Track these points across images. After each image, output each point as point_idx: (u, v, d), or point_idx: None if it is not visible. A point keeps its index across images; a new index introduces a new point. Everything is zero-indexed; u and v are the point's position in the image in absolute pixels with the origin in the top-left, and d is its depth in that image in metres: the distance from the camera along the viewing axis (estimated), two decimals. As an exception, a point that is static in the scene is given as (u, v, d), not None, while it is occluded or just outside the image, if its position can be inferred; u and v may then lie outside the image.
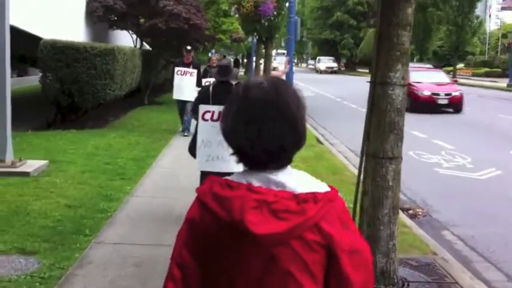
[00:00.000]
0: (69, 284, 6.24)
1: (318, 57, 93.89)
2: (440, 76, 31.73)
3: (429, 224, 9.78)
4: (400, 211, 6.94)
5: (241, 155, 2.14)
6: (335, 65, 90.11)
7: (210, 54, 26.60)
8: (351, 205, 6.66)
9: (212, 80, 13.01)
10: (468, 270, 7.46)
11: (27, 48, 19.31)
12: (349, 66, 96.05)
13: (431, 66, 38.90)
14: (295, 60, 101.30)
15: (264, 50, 28.14)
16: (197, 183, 7.76)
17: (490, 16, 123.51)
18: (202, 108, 7.60)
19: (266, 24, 25.34)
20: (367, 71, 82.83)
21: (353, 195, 6.88)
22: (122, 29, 25.42)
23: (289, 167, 2.15)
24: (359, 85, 44.09)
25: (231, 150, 2.17)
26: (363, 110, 8.00)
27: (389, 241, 6.29)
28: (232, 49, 56.19)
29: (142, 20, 24.98)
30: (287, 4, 25.02)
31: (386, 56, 6.14)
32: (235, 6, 25.78)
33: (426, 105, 27.57)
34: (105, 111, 21.26)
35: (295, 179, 2.11)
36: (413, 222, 9.51)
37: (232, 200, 2.03)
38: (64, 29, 19.04)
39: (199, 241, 2.14)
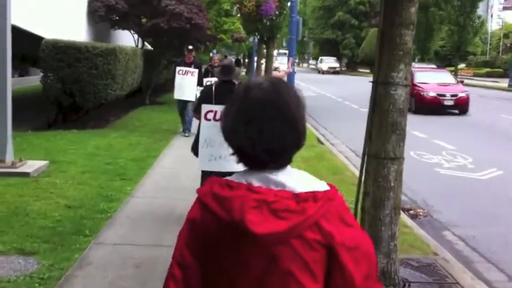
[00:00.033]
0: (68, 285, 6.21)
1: (320, 57, 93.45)
2: (446, 76, 31.12)
3: (430, 224, 9.75)
4: (401, 211, 6.90)
5: (242, 154, 2.15)
6: (337, 65, 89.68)
7: (211, 54, 26.55)
8: (352, 206, 6.63)
9: (213, 79, 13.00)
10: (469, 270, 7.45)
11: (28, 48, 19.27)
12: (351, 66, 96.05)
13: (435, 67, 38.63)
14: (297, 60, 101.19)
15: (265, 50, 28.13)
16: (198, 184, 7.75)
17: (491, 16, 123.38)
18: (205, 107, 7.58)
19: (268, 23, 25.33)
20: (369, 71, 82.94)
21: (354, 195, 6.86)
22: (123, 28, 25.40)
23: (289, 166, 2.16)
24: (360, 85, 44.32)
25: (231, 150, 2.18)
26: (364, 110, 8.00)
27: (391, 242, 6.27)
28: (233, 49, 56.24)
29: (144, 20, 24.97)
30: (289, 4, 24.98)
31: (389, 55, 6.11)
32: (237, 5, 25.78)
33: (431, 107, 27.10)
34: (107, 111, 21.24)
35: (295, 178, 2.11)
36: (414, 222, 9.49)
37: (232, 200, 2.04)
38: (66, 29, 19.03)
39: (200, 241, 2.14)
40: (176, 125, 18.26)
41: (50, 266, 6.59)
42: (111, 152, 13.78)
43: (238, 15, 30.78)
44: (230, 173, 2.23)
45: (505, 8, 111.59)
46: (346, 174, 12.44)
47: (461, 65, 79.26)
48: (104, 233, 7.96)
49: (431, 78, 29.22)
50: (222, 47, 50.46)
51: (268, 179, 2.09)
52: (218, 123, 2.25)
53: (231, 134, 2.15)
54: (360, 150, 6.65)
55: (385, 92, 6.13)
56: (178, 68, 17.10)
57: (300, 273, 2.05)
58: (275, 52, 39.53)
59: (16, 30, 13.02)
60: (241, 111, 2.12)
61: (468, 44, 70.75)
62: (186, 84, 16.67)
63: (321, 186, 2.11)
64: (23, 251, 7.00)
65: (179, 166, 12.45)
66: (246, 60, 64.53)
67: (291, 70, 13.28)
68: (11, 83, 11.43)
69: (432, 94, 27.70)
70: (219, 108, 7.32)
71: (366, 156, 6.41)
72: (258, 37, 28.74)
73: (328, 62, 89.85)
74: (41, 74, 17.89)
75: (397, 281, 6.38)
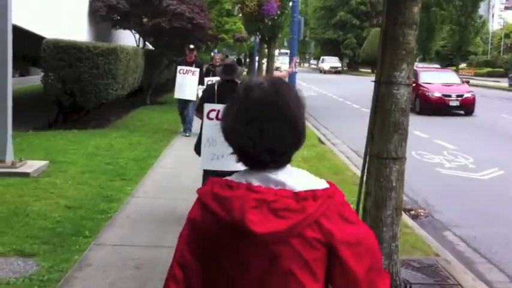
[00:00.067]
0: (68, 287, 6.17)
1: (321, 57, 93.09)
2: (451, 76, 30.46)
3: (431, 224, 9.73)
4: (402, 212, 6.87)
5: (242, 154, 2.16)
6: (339, 65, 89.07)
7: (212, 54, 26.54)
8: (354, 206, 6.59)
9: (214, 79, 12.97)
10: (470, 271, 7.43)
11: (29, 48, 19.24)
12: (352, 66, 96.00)
13: (439, 66, 38.45)
14: (298, 60, 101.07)
15: (266, 50, 28.11)
16: (199, 184, 7.71)
17: (493, 16, 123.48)
18: (207, 107, 7.57)
19: (269, 23, 25.30)
20: (370, 71, 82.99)
21: (355, 195, 6.83)
22: (124, 28, 25.38)
23: (288, 165, 2.17)
24: (361, 85, 44.27)
25: (231, 150, 2.20)
26: (365, 110, 7.98)
27: (392, 242, 6.22)
28: (234, 49, 56.25)
29: (145, 20, 24.94)
30: (290, 3, 24.95)
31: (391, 55, 6.07)
32: (239, 5, 25.74)
33: (436, 107, 26.63)
34: (107, 111, 21.21)
35: (295, 177, 2.12)
36: (415, 222, 9.46)
37: (232, 200, 2.05)
38: (67, 29, 19.01)
39: (201, 241, 2.15)
40: (177, 125, 18.22)
41: (50, 268, 6.54)
42: (111, 152, 13.73)
43: (240, 15, 30.74)
44: (232, 172, 2.23)
45: (506, 8, 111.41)
46: (347, 174, 12.41)
47: (462, 65, 79.27)
48: (104, 233, 7.92)
49: (436, 78, 28.73)
50: (224, 46, 50.48)
51: (268, 179, 2.10)
52: None
53: (231, 134, 2.16)
54: (361, 150, 6.63)
55: (387, 92, 6.09)
56: (179, 67, 17.04)
57: (300, 272, 2.05)
58: (276, 52, 39.51)
59: (17, 30, 13.00)
60: (242, 111, 2.12)
61: (469, 44, 70.79)
62: (187, 84, 16.62)
63: (321, 184, 2.11)
64: (22, 253, 6.96)
65: (180, 166, 12.43)
66: (247, 60, 64.51)
67: (294, 70, 13.20)
68: (12, 82, 11.40)
69: (437, 94, 27.17)
70: (221, 108, 7.25)
71: (367, 156, 6.37)
72: (260, 37, 28.72)
73: (330, 61, 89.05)
74: (42, 74, 17.86)
75: (398, 283, 6.34)
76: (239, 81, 7.93)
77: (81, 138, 15.46)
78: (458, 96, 27.29)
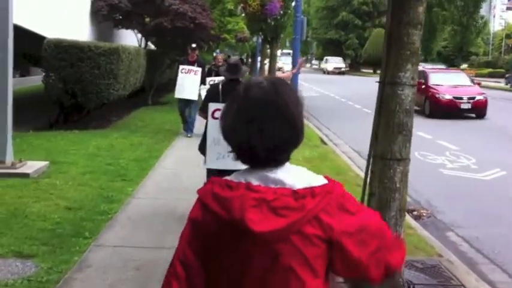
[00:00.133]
0: (67, 288, 6.11)
1: (325, 57, 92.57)
2: (462, 78, 29.26)
3: (434, 225, 9.71)
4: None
5: (241, 153, 2.19)
6: (343, 65, 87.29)
7: (214, 54, 26.52)
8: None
9: (216, 79, 12.91)
10: (473, 272, 7.41)
11: (30, 48, 19.22)
12: (354, 67, 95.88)
13: (445, 67, 38.23)
14: (304, 58, 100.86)
15: (269, 50, 28.07)
16: (200, 184, 7.62)
17: (494, 16, 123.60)
18: (212, 106, 7.55)
19: (272, 23, 25.26)
20: (372, 71, 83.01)
21: (358, 196, 6.74)
22: (126, 28, 25.35)
23: (287, 163, 2.20)
24: (363, 85, 44.30)
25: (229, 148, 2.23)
26: (367, 111, 7.93)
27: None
28: (237, 49, 56.20)
29: (147, 19, 24.90)
30: (293, 3, 24.92)
31: (396, 55, 6.01)
32: (242, 5, 25.68)
33: (447, 110, 25.72)
34: (108, 111, 21.17)
35: (293, 175, 2.14)
36: (417, 223, 9.44)
37: (232, 200, 2.07)
38: (68, 28, 19.01)
39: (201, 241, 2.17)
40: (179, 125, 18.10)
41: (49, 269, 6.48)
42: (112, 153, 13.67)
43: (242, 15, 30.69)
44: (236, 171, 2.25)
45: (508, 8, 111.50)
46: (350, 175, 12.34)
47: (464, 66, 79.26)
48: (104, 234, 7.86)
49: (446, 80, 27.74)
50: (226, 46, 50.44)
51: (267, 177, 2.12)
52: None
53: (230, 133, 2.18)
54: (364, 151, 6.59)
55: (392, 92, 6.04)
56: (181, 67, 16.98)
57: (301, 269, 2.08)
58: (279, 52, 39.44)
59: (18, 29, 12.95)
60: (241, 111, 2.15)
61: (471, 45, 70.96)
62: (189, 83, 16.54)
63: (319, 180, 2.14)
64: (21, 254, 6.89)
65: (181, 167, 12.38)
66: (249, 60, 64.49)
67: (297, 71, 13.11)
68: (12, 83, 11.35)
69: (448, 97, 26.13)
70: None
71: (371, 157, 6.32)
72: (262, 37, 28.69)
73: (334, 62, 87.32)
74: (43, 74, 17.82)
75: (401, 283, 6.32)
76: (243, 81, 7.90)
77: (82, 139, 15.40)
78: (470, 98, 26.21)
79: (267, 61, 29.84)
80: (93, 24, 23.45)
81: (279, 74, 22.35)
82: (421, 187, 11.63)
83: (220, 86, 8.11)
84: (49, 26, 18.12)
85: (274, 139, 2.10)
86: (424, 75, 27.57)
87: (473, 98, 26.18)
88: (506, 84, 53.10)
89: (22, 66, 29.93)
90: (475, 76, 70.19)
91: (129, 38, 26.44)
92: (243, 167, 2.22)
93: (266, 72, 28.41)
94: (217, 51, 37.00)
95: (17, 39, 11.32)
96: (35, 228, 7.82)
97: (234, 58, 10.83)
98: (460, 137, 19.38)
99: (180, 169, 12.19)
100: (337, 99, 36.11)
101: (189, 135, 16.63)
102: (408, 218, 9.14)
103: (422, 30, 6.10)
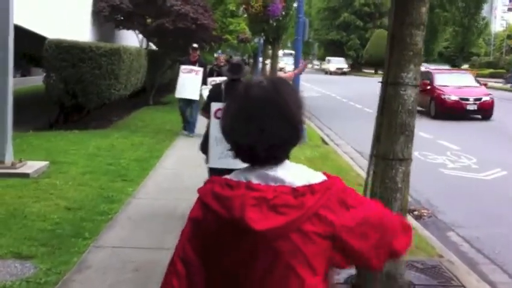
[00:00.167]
0: (66, 290, 6.07)
1: (327, 58, 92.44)
2: (468, 79, 28.78)
3: (434, 225, 9.70)
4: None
5: (240, 152, 2.19)
6: (346, 66, 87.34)
7: (216, 54, 26.48)
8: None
9: (218, 79, 12.88)
10: (474, 272, 7.40)
11: (30, 48, 19.18)
12: (355, 67, 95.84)
13: (450, 68, 38.08)
14: (309, 58, 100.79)
15: (270, 51, 28.01)
16: (201, 184, 7.59)
17: (495, 17, 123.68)
18: (215, 106, 7.54)
19: (274, 24, 25.21)
20: (373, 71, 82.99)
21: (360, 196, 6.72)
22: (128, 29, 25.28)
23: (287, 161, 2.21)
24: (365, 86, 44.29)
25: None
26: (369, 111, 7.88)
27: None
28: (238, 50, 56.14)
29: (149, 20, 24.86)
30: (295, 4, 24.85)
31: (398, 56, 6.02)
32: (244, 6, 25.63)
33: (453, 112, 25.36)
34: (109, 111, 21.13)
35: (293, 173, 2.15)
36: (418, 223, 9.41)
37: (232, 199, 2.08)
38: (69, 29, 18.96)
39: (201, 240, 2.18)
40: (179, 125, 18.01)
41: (48, 270, 6.43)
42: (113, 153, 13.62)
43: (244, 15, 30.67)
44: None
45: (510, 10, 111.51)
46: (351, 175, 12.30)
47: (465, 66, 79.26)
48: (103, 235, 7.81)
49: (452, 81, 27.31)
50: (227, 47, 50.36)
51: (267, 176, 2.13)
52: None
53: (230, 132, 2.19)
54: (365, 151, 6.58)
55: (394, 93, 6.06)
56: (182, 67, 16.94)
57: (300, 267, 2.08)
58: (281, 53, 39.41)
59: (19, 29, 12.92)
60: (242, 110, 2.16)
61: (472, 45, 70.81)
62: (190, 83, 16.49)
63: (318, 177, 2.16)
64: (20, 255, 6.85)
65: (182, 167, 12.34)
66: (251, 61, 64.49)
67: (299, 73, 13.05)
68: (13, 83, 11.32)
69: (454, 98, 25.71)
70: None
71: (373, 157, 6.30)
72: (264, 38, 28.63)
73: (336, 62, 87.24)
74: (44, 74, 17.78)
75: (402, 284, 6.30)
76: None
77: (82, 139, 15.35)
78: (476, 99, 25.79)
79: (268, 61, 29.73)
80: (94, 24, 23.41)
81: (280, 74, 22.30)
82: (421, 187, 11.60)
83: (222, 86, 8.10)
84: (50, 26, 18.08)
85: (274, 138, 2.11)
86: (429, 76, 27.47)
87: (479, 99, 25.81)
88: (505, 84, 53.18)
89: (23, 67, 29.93)
90: (476, 76, 70.38)
91: (131, 39, 26.42)
92: (245, 166, 2.23)
93: (268, 73, 28.34)
94: (219, 51, 37.00)
95: (18, 39, 11.28)
96: (34, 229, 7.77)
97: (236, 58, 10.80)
98: (461, 137, 19.40)
99: (181, 169, 12.14)
100: (338, 100, 36.17)
101: (190, 135, 16.57)
102: (409, 217, 9.14)
103: (425, 31, 6.12)
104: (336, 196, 2.11)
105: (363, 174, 11.34)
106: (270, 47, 28.20)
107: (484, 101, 25.76)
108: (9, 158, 10.94)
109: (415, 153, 13.79)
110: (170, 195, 10.05)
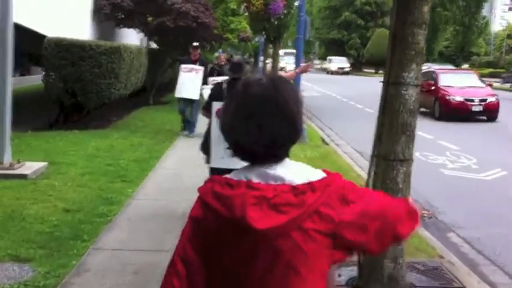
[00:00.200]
0: (64, 293, 6.01)
1: (328, 57, 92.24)
2: (472, 79, 27.95)
3: (435, 226, 9.67)
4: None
5: (240, 150, 2.19)
6: (347, 65, 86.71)
7: (217, 53, 26.51)
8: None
9: (219, 78, 12.83)
10: (475, 273, 7.37)
11: (30, 46, 19.14)
12: (356, 67, 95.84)
13: (454, 67, 37.91)
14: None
15: (271, 50, 28.01)
16: (201, 184, 7.55)
17: (495, 17, 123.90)
18: (216, 105, 7.48)
19: (275, 23, 25.19)
20: (374, 71, 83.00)
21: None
22: (128, 27, 25.22)
23: (286, 159, 2.21)
24: (365, 85, 44.27)
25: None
26: (370, 111, 7.83)
27: (397, 245, 6.13)
28: (239, 49, 56.21)
29: (150, 19, 24.82)
30: (296, 3, 24.80)
31: (400, 55, 6.01)
32: (245, 4, 25.61)
33: (458, 113, 24.72)
34: (109, 111, 21.07)
35: (292, 171, 2.15)
36: (418, 224, 9.32)
37: (233, 199, 2.08)
38: (69, 27, 18.90)
39: (201, 239, 2.18)
40: (179, 125, 17.97)
41: (46, 274, 6.37)
42: (112, 153, 13.54)
43: (245, 14, 30.67)
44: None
45: (510, 9, 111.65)
46: (351, 175, 12.24)
47: (465, 65, 79.32)
48: (102, 237, 7.75)
49: (456, 81, 26.63)
50: (228, 46, 50.41)
51: (267, 174, 2.13)
52: None
53: (229, 130, 2.19)
54: (366, 151, 6.55)
55: (395, 92, 6.05)
56: (182, 66, 16.87)
57: (301, 265, 2.09)
58: (281, 52, 39.40)
59: (18, 28, 12.88)
60: (240, 108, 2.16)
61: (472, 45, 70.89)
62: (190, 82, 16.41)
63: (318, 175, 2.15)
64: (18, 258, 6.78)
65: (182, 167, 12.28)
66: (252, 60, 64.55)
67: (301, 72, 12.93)
68: (12, 82, 11.27)
69: (459, 99, 25.09)
70: None
71: (374, 158, 6.28)
72: (265, 37, 28.62)
73: (338, 62, 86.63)
74: (43, 73, 17.72)
75: (403, 286, 6.30)
76: None
77: (81, 139, 15.28)
78: (481, 100, 25.20)
79: (269, 61, 29.76)
80: (94, 23, 23.38)
81: (281, 73, 22.24)
82: (421, 187, 11.53)
83: (224, 85, 8.06)
84: (50, 24, 18.02)
85: (273, 135, 2.11)
86: (433, 76, 27.19)
87: (484, 100, 25.28)
88: (503, 84, 53.33)
89: (22, 65, 29.90)
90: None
91: (131, 37, 26.39)
92: (246, 165, 2.23)
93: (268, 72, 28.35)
94: (220, 50, 37.00)
95: (17, 38, 11.23)
96: (32, 231, 7.70)
97: (238, 57, 10.76)
98: (461, 137, 19.43)
99: (181, 170, 12.08)
100: (338, 99, 36.20)
101: (190, 135, 16.51)
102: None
103: (426, 31, 6.11)
104: (336, 193, 2.12)
105: (363, 174, 11.32)
106: (271, 46, 28.21)
107: (489, 102, 25.26)
108: (7, 158, 10.86)
109: (416, 154, 13.84)
110: (170, 196, 9.99)
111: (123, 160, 12.72)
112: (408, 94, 5.98)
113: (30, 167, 10.98)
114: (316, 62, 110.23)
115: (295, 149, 2.21)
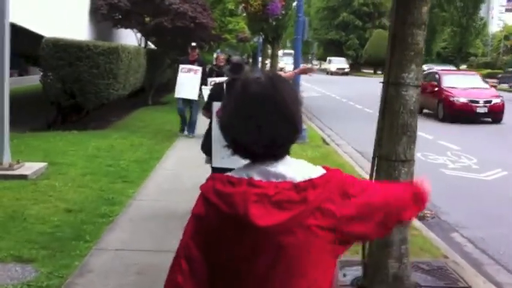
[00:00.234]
0: (68, 294, 5.97)
1: (328, 58, 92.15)
2: (476, 80, 27.35)
3: (438, 226, 9.65)
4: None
5: (239, 148, 2.20)
6: (347, 66, 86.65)
7: (216, 54, 26.49)
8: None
9: (218, 79, 12.80)
10: (480, 273, 7.35)
11: (28, 47, 19.10)
12: (355, 67, 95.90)
13: (455, 68, 37.82)
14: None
15: (270, 50, 27.97)
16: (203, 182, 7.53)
17: (492, 18, 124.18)
18: (217, 105, 7.46)
19: (273, 23, 25.16)
20: (372, 71, 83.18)
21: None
22: (126, 27, 25.21)
23: (287, 157, 2.21)
24: (364, 86, 44.31)
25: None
26: (369, 111, 7.80)
27: (402, 245, 6.22)
28: (238, 49, 56.19)
29: (147, 19, 24.80)
30: (294, 3, 24.78)
31: (400, 56, 6.01)
32: (243, 5, 25.58)
33: (463, 115, 24.25)
34: (108, 111, 21.03)
35: (293, 168, 2.16)
36: (422, 224, 9.35)
37: (234, 196, 2.08)
38: (67, 27, 18.87)
39: (203, 236, 2.18)
40: (179, 126, 17.94)
41: (49, 274, 6.33)
42: (112, 154, 13.50)
43: (244, 14, 30.64)
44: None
45: (507, 10, 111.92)
46: (353, 175, 12.22)
47: (463, 66, 79.45)
48: (105, 238, 7.71)
49: (460, 82, 26.14)
50: (226, 46, 50.39)
51: (268, 172, 2.14)
52: None
53: (229, 129, 2.20)
54: (366, 151, 6.56)
55: (396, 93, 6.05)
56: (181, 66, 16.85)
57: (303, 261, 2.10)
58: (280, 52, 39.36)
59: (16, 28, 12.84)
60: (240, 107, 2.16)
61: (470, 46, 70.83)
62: (189, 83, 16.40)
63: (317, 171, 2.16)
64: (20, 258, 6.73)
65: (182, 168, 12.25)
66: (250, 60, 64.52)
67: (300, 73, 12.85)
68: (10, 82, 11.23)
69: (463, 100, 24.61)
70: None
71: (376, 159, 6.28)
72: (263, 37, 28.58)
73: (337, 62, 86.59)
74: (41, 74, 17.63)
75: (408, 286, 6.30)
76: None
77: (81, 140, 15.23)
78: (486, 102, 24.73)
79: (268, 61, 29.69)
80: (92, 23, 23.34)
81: (280, 74, 22.19)
82: (423, 187, 11.57)
83: (224, 85, 8.05)
84: (47, 25, 17.97)
85: (272, 136, 2.12)
86: (437, 77, 27.02)
87: (489, 102, 24.83)
88: (499, 84, 53.49)
89: (21, 66, 29.85)
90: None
91: (129, 38, 26.35)
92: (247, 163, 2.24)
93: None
94: (218, 51, 36.97)
95: (15, 38, 11.18)
96: (34, 232, 7.66)
97: (236, 58, 10.71)
98: (460, 136, 19.53)
99: (182, 170, 12.04)
100: (338, 100, 36.23)
101: (190, 135, 16.49)
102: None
103: (426, 31, 6.13)
104: (337, 188, 2.13)
105: (365, 174, 11.30)
106: (269, 46, 28.16)
107: (494, 104, 24.82)
108: (6, 159, 10.82)
109: (417, 154, 13.82)
110: (171, 197, 9.96)
111: (124, 160, 12.69)
112: (408, 95, 5.98)
113: (30, 168, 10.92)
114: (315, 62, 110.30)
115: (296, 149, 2.22)
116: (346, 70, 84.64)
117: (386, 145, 6.13)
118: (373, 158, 6.33)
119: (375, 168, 6.31)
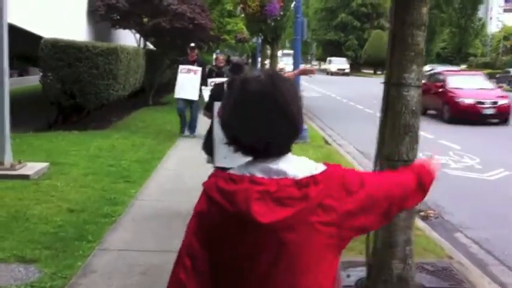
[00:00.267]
0: (72, 295, 5.93)
1: (328, 58, 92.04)
2: (481, 81, 26.73)
3: (442, 226, 9.61)
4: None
5: (240, 146, 2.20)
6: (347, 66, 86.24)
7: (215, 55, 26.47)
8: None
9: (217, 80, 12.80)
10: (485, 274, 7.31)
11: (28, 48, 19.06)
12: (354, 68, 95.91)
13: (458, 68, 37.66)
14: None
15: (269, 51, 27.95)
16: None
17: (491, 18, 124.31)
18: (218, 105, 7.42)
19: (272, 24, 25.13)
20: (372, 71, 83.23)
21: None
22: (124, 28, 25.15)
23: (289, 154, 2.21)
24: (364, 86, 44.33)
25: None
26: (370, 111, 7.80)
27: (406, 246, 6.17)
28: (237, 50, 56.18)
29: (145, 20, 24.78)
30: (293, 4, 24.77)
31: (400, 56, 5.97)
32: (241, 6, 25.57)
33: (468, 116, 23.68)
34: (108, 111, 20.99)
35: (295, 165, 2.16)
36: (425, 224, 9.34)
37: (236, 194, 2.09)
38: (65, 28, 18.83)
39: (206, 233, 2.18)
40: (179, 127, 17.92)
41: (52, 275, 6.30)
42: (114, 154, 13.48)
43: (242, 15, 30.61)
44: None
45: (505, 11, 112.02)
46: (355, 175, 12.24)
47: (463, 66, 79.53)
48: (108, 238, 7.69)
49: (465, 83, 25.47)
50: (225, 47, 50.40)
51: (269, 169, 2.14)
52: None
53: (229, 127, 2.20)
54: (368, 151, 6.54)
55: (397, 94, 6.00)
56: (181, 67, 16.86)
57: (305, 258, 2.10)
58: (280, 53, 39.31)
59: (15, 29, 12.82)
60: (239, 104, 2.16)
61: (469, 46, 71.03)
62: (189, 83, 16.40)
63: (319, 168, 2.17)
64: (23, 259, 6.70)
65: (184, 168, 12.25)
66: (250, 61, 64.53)
67: (299, 74, 12.78)
68: (10, 82, 11.20)
69: (469, 101, 23.96)
70: None
71: (378, 159, 6.24)
72: (262, 38, 28.57)
73: (338, 63, 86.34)
74: (41, 74, 17.61)
75: (413, 287, 6.26)
76: None
77: (82, 140, 15.21)
78: (493, 103, 24.13)
79: (267, 62, 29.66)
80: (90, 24, 23.29)
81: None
82: (426, 187, 11.54)
83: (225, 85, 8.04)
84: (46, 26, 17.94)
85: (272, 134, 2.12)
86: (441, 78, 26.73)
87: (496, 103, 24.26)
88: (497, 84, 53.63)
89: (20, 66, 29.83)
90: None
91: (128, 38, 26.30)
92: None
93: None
94: (217, 51, 36.97)
95: (15, 39, 11.16)
96: (36, 232, 7.63)
97: (236, 58, 10.74)
98: (460, 135, 19.49)
99: (183, 170, 12.03)
100: (338, 100, 36.29)
101: (191, 135, 16.48)
102: (416, 219, 9.07)
103: (426, 32, 6.08)
104: (338, 183, 2.14)
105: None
106: (268, 47, 28.14)
107: (500, 105, 24.23)
108: (8, 159, 10.80)
109: (419, 154, 13.78)
110: (173, 197, 9.95)
111: (125, 161, 12.68)
112: (410, 95, 5.95)
113: (31, 168, 10.90)
114: (314, 62, 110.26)
115: (297, 149, 2.21)
116: (347, 70, 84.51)
117: (389, 145, 6.09)
118: (376, 158, 6.31)
119: (377, 168, 6.29)
